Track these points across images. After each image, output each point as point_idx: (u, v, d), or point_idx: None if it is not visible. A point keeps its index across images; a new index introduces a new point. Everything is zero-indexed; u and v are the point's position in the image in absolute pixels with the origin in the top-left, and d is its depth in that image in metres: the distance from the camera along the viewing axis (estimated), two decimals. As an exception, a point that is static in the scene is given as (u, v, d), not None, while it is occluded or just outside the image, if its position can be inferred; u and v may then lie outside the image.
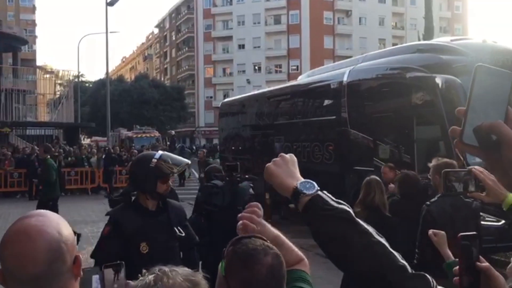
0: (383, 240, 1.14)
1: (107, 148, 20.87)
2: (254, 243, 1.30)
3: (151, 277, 1.13)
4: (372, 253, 1.10)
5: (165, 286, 1.09)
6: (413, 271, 1.08)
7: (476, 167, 2.14)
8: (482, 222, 6.84)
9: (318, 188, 1.22)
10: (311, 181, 1.24)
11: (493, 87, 0.92)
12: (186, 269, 1.16)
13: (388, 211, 4.41)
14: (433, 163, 4.17)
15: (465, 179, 2.12)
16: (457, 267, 1.21)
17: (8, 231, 1.22)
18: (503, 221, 6.62)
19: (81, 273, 1.26)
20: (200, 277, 1.14)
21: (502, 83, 0.92)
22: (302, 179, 1.26)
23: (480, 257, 1.22)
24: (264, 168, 1.32)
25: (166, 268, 1.14)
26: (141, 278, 1.15)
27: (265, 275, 1.26)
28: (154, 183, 3.06)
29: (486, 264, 1.21)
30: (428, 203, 3.85)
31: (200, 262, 4.33)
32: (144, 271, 1.15)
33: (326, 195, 1.21)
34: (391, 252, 1.11)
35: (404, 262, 1.09)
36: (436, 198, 3.86)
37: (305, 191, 1.21)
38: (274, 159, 1.33)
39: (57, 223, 1.24)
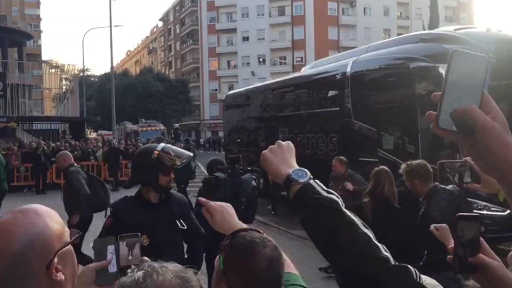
0: (368, 232, 1.14)
1: (112, 142, 20.94)
2: (252, 236, 1.31)
3: (140, 273, 1.07)
4: (355, 243, 1.10)
5: (155, 282, 1.04)
6: (396, 263, 1.08)
7: (469, 159, 2.14)
8: (488, 212, 6.88)
9: (311, 177, 1.23)
10: (304, 169, 1.25)
11: (468, 72, 0.93)
12: (177, 265, 1.12)
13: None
14: (404, 168, 4.04)
15: (460, 170, 2.11)
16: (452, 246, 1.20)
17: None
18: (508, 211, 6.61)
19: (61, 277, 1.16)
20: (191, 273, 1.10)
21: (477, 67, 0.93)
22: (296, 167, 1.26)
23: (483, 244, 1.20)
24: (262, 153, 1.33)
25: (155, 264, 1.09)
26: (129, 274, 1.09)
27: (264, 267, 1.26)
28: (155, 175, 3.07)
29: (481, 255, 1.18)
30: (424, 209, 3.74)
31: (204, 254, 4.36)
32: (133, 266, 1.11)
33: (317, 184, 1.22)
34: (375, 244, 1.12)
35: (388, 254, 1.10)
36: (429, 201, 3.75)
37: (297, 179, 1.22)
38: (271, 146, 1.34)
39: (33, 223, 1.15)
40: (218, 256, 1.35)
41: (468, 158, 2.14)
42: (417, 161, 4.05)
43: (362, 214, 3.86)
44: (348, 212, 1.16)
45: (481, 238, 1.20)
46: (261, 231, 1.40)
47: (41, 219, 1.17)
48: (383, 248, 1.11)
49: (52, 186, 18.20)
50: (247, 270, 1.26)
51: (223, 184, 4.93)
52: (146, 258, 1.51)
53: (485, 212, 6.84)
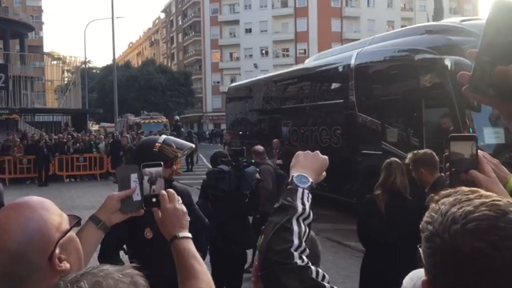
0: (296, 229, 1.22)
1: (115, 134, 20.92)
2: None
3: (85, 285, 0.92)
4: (274, 236, 1.22)
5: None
6: (303, 263, 1.17)
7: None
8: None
9: (305, 188, 1.32)
10: (308, 179, 1.35)
11: (510, 29, 0.81)
12: (108, 266, 1.01)
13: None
14: (410, 157, 4.04)
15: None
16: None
17: None
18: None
19: (65, 266, 1.14)
20: (131, 270, 1.00)
21: None
22: (307, 174, 1.36)
23: (481, 158, 1.24)
24: (298, 151, 1.46)
25: (93, 270, 0.96)
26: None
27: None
28: None
29: (472, 171, 1.25)
30: (429, 198, 3.74)
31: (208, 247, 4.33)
32: (60, 283, 0.97)
33: (301, 194, 1.30)
34: (291, 240, 1.20)
35: (297, 253, 1.18)
36: (432, 192, 3.73)
37: (293, 181, 1.34)
38: (309, 151, 1.46)
39: (27, 218, 1.13)
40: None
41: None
42: (423, 150, 4.02)
43: (375, 207, 3.82)
44: (294, 223, 1.25)
45: (481, 156, 1.26)
46: None
47: (35, 213, 1.15)
48: (301, 248, 1.20)
49: (55, 178, 18.23)
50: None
51: (227, 176, 4.89)
52: (171, 190, 1.51)
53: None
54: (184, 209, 1.53)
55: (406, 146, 8.26)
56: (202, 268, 1.44)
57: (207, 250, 3.75)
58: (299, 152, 1.46)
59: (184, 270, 1.42)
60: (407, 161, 4.07)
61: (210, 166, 5.48)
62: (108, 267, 0.89)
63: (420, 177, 3.86)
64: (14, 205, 1.17)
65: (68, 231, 1.19)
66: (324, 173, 1.46)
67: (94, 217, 1.56)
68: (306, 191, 1.32)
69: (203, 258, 3.65)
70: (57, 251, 1.14)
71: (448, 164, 1.26)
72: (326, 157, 1.48)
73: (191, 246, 1.47)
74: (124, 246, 3.23)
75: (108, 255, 2.89)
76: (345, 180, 10.54)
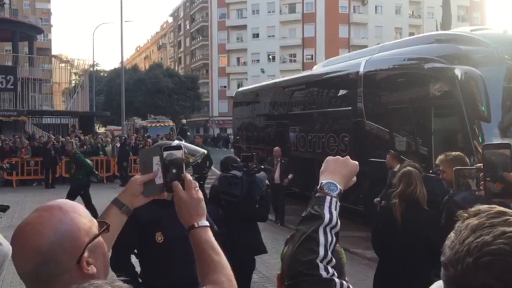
0: (323, 239, 1.23)
1: (123, 137, 20.96)
2: None
3: None
4: (301, 246, 1.22)
5: None
6: (328, 275, 1.18)
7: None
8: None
9: (334, 195, 1.32)
10: (337, 186, 1.35)
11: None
12: (99, 280, 1.03)
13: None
14: (441, 158, 4.12)
15: (477, 176, 2.07)
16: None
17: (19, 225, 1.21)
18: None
19: (92, 270, 1.17)
20: (122, 284, 1.01)
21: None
22: (336, 180, 1.36)
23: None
24: (328, 156, 1.47)
25: (82, 285, 0.97)
26: None
27: (289, 253, 1.35)
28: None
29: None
30: (450, 194, 3.80)
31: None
32: None
33: (330, 202, 1.30)
34: (317, 251, 1.21)
35: (323, 264, 1.19)
36: (457, 189, 3.79)
37: (322, 187, 1.34)
38: (339, 156, 1.46)
39: (59, 220, 1.17)
40: (283, 248, 1.45)
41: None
42: (455, 152, 4.10)
43: (391, 216, 3.81)
44: (321, 233, 1.24)
45: None
46: None
47: (67, 216, 1.18)
48: (326, 259, 1.21)
49: (62, 180, 18.28)
50: (286, 255, 1.36)
51: (239, 182, 4.90)
52: (188, 176, 1.50)
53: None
54: (201, 196, 1.51)
55: (414, 155, 8.23)
56: (222, 259, 1.44)
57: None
58: (329, 158, 1.45)
59: (203, 262, 1.42)
60: (437, 162, 4.15)
61: (217, 171, 5.46)
62: (98, 281, 0.91)
63: (450, 178, 3.90)
64: (48, 207, 1.20)
65: (97, 236, 1.21)
66: (355, 179, 1.45)
67: (117, 201, 1.56)
68: (334, 199, 1.31)
69: None
70: (85, 254, 1.16)
71: (482, 174, 1.29)
72: (357, 162, 1.47)
73: (209, 236, 1.47)
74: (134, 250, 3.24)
75: (119, 259, 2.90)
76: (352, 187, 10.51)
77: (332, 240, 1.24)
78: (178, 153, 1.49)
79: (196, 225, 1.47)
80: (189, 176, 1.49)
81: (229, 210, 4.88)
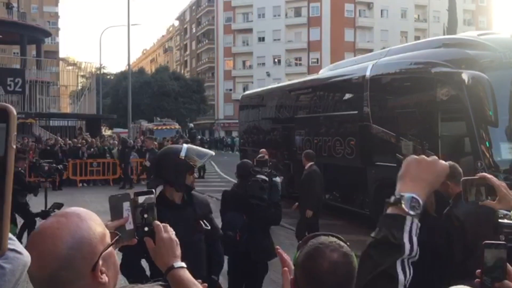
0: (402, 278, 1.12)
1: (123, 139, 21.01)
2: (325, 239, 1.35)
3: None
4: (374, 276, 1.11)
5: None
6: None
7: (486, 174, 2.11)
8: (509, 221, 6.78)
9: (415, 215, 1.16)
10: (420, 203, 1.17)
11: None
12: (140, 285, 1.03)
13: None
14: None
15: (477, 186, 2.07)
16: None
17: (39, 226, 1.21)
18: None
19: (105, 279, 1.17)
20: None
21: None
22: (419, 192, 1.18)
23: (510, 269, 1.24)
24: (410, 156, 1.25)
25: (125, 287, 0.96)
26: None
27: (326, 270, 1.29)
28: (184, 175, 3.11)
29: (507, 282, 1.23)
30: (450, 207, 3.76)
31: (227, 257, 4.36)
32: None
33: (410, 225, 1.15)
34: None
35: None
36: (456, 202, 3.76)
37: (403, 204, 1.16)
38: (424, 156, 1.24)
39: (77, 226, 1.17)
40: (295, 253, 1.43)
41: (484, 174, 2.11)
42: (448, 162, 4.02)
43: None
44: (399, 269, 1.11)
45: (508, 264, 1.25)
46: (342, 238, 1.41)
47: (85, 223, 1.19)
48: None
49: (68, 183, 18.38)
50: (310, 270, 1.32)
51: (267, 187, 4.94)
52: (163, 224, 1.50)
53: (505, 221, 6.75)
54: (177, 239, 1.52)
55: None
56: None
57: (223, 259, 3.78)
58: (411, 158, 1.23)
59: None
60: None
61: (222, 173, 5.44)
62: (139, 285, 0.92)
63: (446, 189, 3.89)
64: (65, 213, 1.21)
65: (110, 245, 1.23)
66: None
67: None
68: (415, 222, 1.15)
69: (221, 266, 3.71)
70: (100, 262, 1.17)
71: (480, 271, 1.27)
72: (447, 164, 1.25)
73: (188, 275, 1.48)
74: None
75: (129, 263, 2.93)
76: (358, 191, 10.53)
77: (410, 274, 1.12)
78: (150, 198, 1.50)
79: (175, 266, 1.48)
80: (165, 224, 1.52)
81: (254, 215, 4.88)
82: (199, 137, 34.54)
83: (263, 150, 10.83)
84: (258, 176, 4.98)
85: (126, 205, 1.49)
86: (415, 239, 1.13)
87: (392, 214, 1.15)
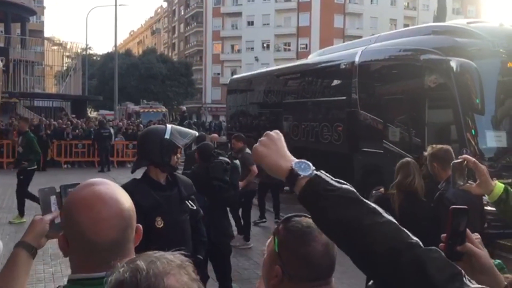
0: (391, 218, 1.09)
1: (100, 120, 20.58)
2: (308, 221, 1.31)
3: (139, 262, 0.87)
4: (384, 232, 1.04)
5: (159, 269, 0.86)
6: (425, 247, 1.05)
7: (467, 156, 2.12)
8: (491, 208, 6.87)
9: (314, 168, 1.16)
10: (306, 161, 1.17)
11: None
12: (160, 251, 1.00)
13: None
14: (429, 151, 4.08)
15: (458, 170, 2.08)
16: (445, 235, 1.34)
17: (77, 196, 1.19)
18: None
19: (137, 241, 1.23)
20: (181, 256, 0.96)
21: None
22: (296, 159, 1.18)
23: (469, 234, 1.35)
24: (252, 150, 1.25)
25: (146, 253, 0.92)
26: (117, 270, 0.88)
27: (321, 252, 1.28)
28: (169, 155, 3.09)
29: (468, 244, 1.33)
30: (442, 191, 3.80)
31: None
32: (117, 263, 0.90)
33: (325, 175, 1.14)
34: (403, 229, 1.06)
35: (415, 238, 1.05)
36: (447, 185, 3.82)
37: (302, 172, 1.14)
38: (261, 139, 1.24)
39: (124, 192, 1.23)
40: (271, 239, 1.35)
41: (467, 157, 2.11)
42: (440, 146, 4.05)
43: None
44: (367, 201, 1.09)
45: (467, 229, 1.34)
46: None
47: (122, 189, 1.25)
48: (409, 233, 1.07)
49: (53, 164, 18.20)
50: (304, 255, 1.27)
51: (229, 168, 4.92)
52: None
53: (488, 208, 6.84)
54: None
55: (407, 146, 8.29)
56: None
57: (206, 239, 3.77)
58: (257, 147, 1.23)
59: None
60: (425, 154, 4.13)
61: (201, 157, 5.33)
62: (159, 252, 0.93)
63: (433, 171, 3.90)
64: (103, 182, 1.24)
65: None
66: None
67: (26, 244, 1.44)
68: (321, 172, 1.15)
69: (205, 246, 3.71)
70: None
71: (445, 236, 1.34)
72: (275, 131, 1.26)
73: None
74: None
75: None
76: (344, 177, 10.48)
77: (374, 205, 1.12)
78: None
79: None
80: None
81: (214, 197, 4.89)
82: (187, 121, 34.37)
83: (214, 135, 10.72)
84: (220, 158, 4.99)
85: (53, 198, 1.47)
86: (336, 179, 1.13)
87: (306, 187, 1.12)
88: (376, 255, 1.03)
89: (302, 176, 1.14)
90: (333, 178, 1.14)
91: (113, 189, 1.21)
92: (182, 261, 0.90)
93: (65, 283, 1.21)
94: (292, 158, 1.20)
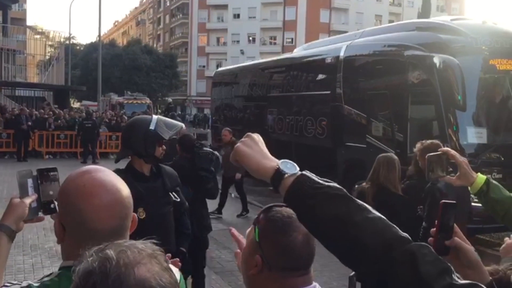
0: (380, 214, 1.08)
1: (87, 111, 20.30)
2: (288, 211, 1.30)
3: (109, 251, 0.84)
4: (374, 229, 1.03)
5: (129, 258, 0.84)
6: (415, 242, 1.05)
7: (448, 148, 2.14)
8: (472, 204, 6.98)
9: (298, 168, 1.16)
10: (290, 161, 1.16)
11: None
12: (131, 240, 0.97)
13: (402, 190, 4.27)
14: (418, 146, 4.13)
15: (438, 162, 2.10)
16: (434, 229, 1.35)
17: (77, 183, 1.17)
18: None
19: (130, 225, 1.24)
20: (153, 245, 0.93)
21: None
22: (279, 160, 1.18)
23: (456, 229, 1.36)
24: (233, 150, 1.23)
25: (116, 242, 0.89)
26: (86, 259, 0.85)
27: (301, 242, 1.28)
28: (153, 147, 3.06)
29: (456, 238, 1.35)
30: (433, 182, 3.88)
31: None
32: (85, 252, 0.88)
33: (311, 174, 1.14)
34: (392, 225, 1.06)
35: (405, 233, 1.05)
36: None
37: (288, 172, 1.13)
38: (242, 139, 1.24)
39: (121, 180, 1.23)
40: (251, 228, 1.34)
41: (447, 149, 2.14)
42: (430, 141, 4.11)
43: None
44: (354, 198, 1.09)
45: (455, 224, 1.36)
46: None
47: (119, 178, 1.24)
48: (398, 228, 1.07)
49: (34, 154, 17.97)
50: (285, 245, 1.27)
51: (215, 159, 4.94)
52: None
53: (477, 204, 6.94)
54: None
55: (390, 141, 8.37)
56: None
57: (191, 232, 3.76)
58: (239, 146, 1.23)
59: None
60: (415, 150, 4.17)
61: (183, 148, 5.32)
62: (130, 240, 0.91)
63: (424, 166, 3.98)
64: (99, 168, 1.23)
65: None
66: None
67: (6, 227, 1.40)
68: (306, 171, 1.14)
69: (190, 237, 3.69)
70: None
71: (435, 230, 1.35)
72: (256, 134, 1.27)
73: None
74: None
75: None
76: (328, 171, 10.62)
77: (362, 202, 1.12)
78: (54, 175, 1.46)
79: None
80: None
81: (198, 188, 4.88)
82: (171, 113, 34.26)
83: (226, 129, 10.59)
84: (204, 149, 5.00)
85: (30, 181, 1.44)
86: (322, 178, 1.12)
87: (293, 187, 1.11)
88: (367, 251, 1.02)
89: (288, 175, 1.13)
90: (319, 178, 1.13)
91: (111, 176, 1.21)
92: (153, 250, 0.88)
93: (45, 273, 1.20)
94: (275, 159, 1.19)
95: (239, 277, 6.03)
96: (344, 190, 1.10)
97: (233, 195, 10.44)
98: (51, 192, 1.43)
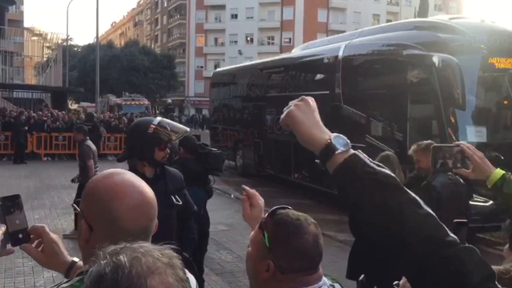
0: (431, 211, 1.02)
1: (89, 113, 20.28)
2: (294, 213, 1.32)
3: (121, 257, 0.81)
4: (422, 225, 0.98)
5: (145, 266, 0.81)
6: (463, 245, 1.01)
7: (463, 142, 2.14)
8: (471, 202, 6.96)
9: (351, 145, 1.08)
10: (343, 136, 1.08)
11: None
12: (148, 243, 0.92)
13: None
14: (414, 148, 4.15)
15: (453, 155, 2.10)
16: None
17: (108, 183, 1.17)
18: (490, 202, 6.70)
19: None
20: (169, 250, 0.90)
21: None
22: (331, 133, 1.10)
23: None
24: (286, 113, 1.14)
25: (132, 245, 0.86)
26: (100, 261, 0.82)
27: (312, 243, 1.30)
28: (151, 150, 3.02)
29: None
30: (429, 180, 3.89)
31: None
32: (100, 252, 0.85)
33: (364, 156, 1.06)
34: (442, 224, 1.01)
35: (453, 235, 1.00)
36: (434, 175, 3.89)
37: (341, 148, 1.05)
38: (297, 102, 1.15)
39: (145, 183, 1.23)
40: (257, 232, 1.33)
41: (461, 143, 2.13)
42: (427, 141, 4.14)
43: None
44: (408, 190, 1.03)
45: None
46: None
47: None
48: (447, 229, 1.02)
49: (33, 156, 17.91)
50: (297, 247, 1.28)
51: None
52: (40, 225, 1.40)
53: (475, 203, 6.93)
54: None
55: (389, 141, 8.36)
56: None
57: (196, 236, 3.73)
58: (293, 110, 1.14)
59: None
60: (410, 152, 4.18)
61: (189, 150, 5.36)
62: (147, 245, 0.87)
63: (423, 165, 3.99)
64: (123, 171, 1.24)
65: None
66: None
67: None
68: (358, 151, 1.07)
69: (194, 242, 3.66)
70: None
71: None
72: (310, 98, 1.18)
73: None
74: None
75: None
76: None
77: (415, 195, 1.07)
78: (18, 202, 1.36)
79: (76, 261, 1.40)
80: (37, 225, 1.40)
81: (207, 189, 4.90)
82: (170, 114, 34.25)
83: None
84: (210, 149, 5.02)
85: None
86: (374, 161, 1.06)
87: (343, 165, 1.04)
88: (412, 247, 0.98)
89: (339, 151, 1.06)
90: (371, 160, 1.06)
91: (137, 178, 1.22)
92: (170, 258, 0.84)
93: (45, 277, 1.17)
94: (328, 131, 1.12)
95: (240, 278, 6.01)
96: (397, 179, 1.04)
97: (232, 195, 10.43)
98: (17, 222, 1.34)
